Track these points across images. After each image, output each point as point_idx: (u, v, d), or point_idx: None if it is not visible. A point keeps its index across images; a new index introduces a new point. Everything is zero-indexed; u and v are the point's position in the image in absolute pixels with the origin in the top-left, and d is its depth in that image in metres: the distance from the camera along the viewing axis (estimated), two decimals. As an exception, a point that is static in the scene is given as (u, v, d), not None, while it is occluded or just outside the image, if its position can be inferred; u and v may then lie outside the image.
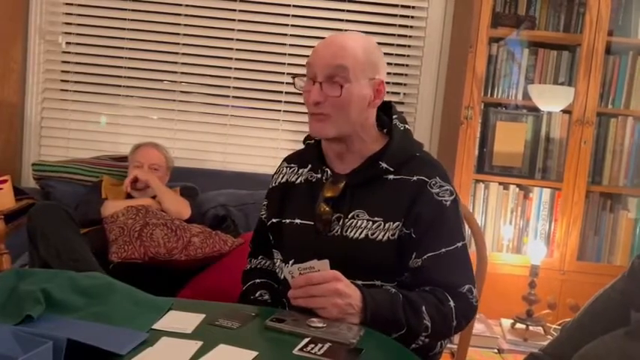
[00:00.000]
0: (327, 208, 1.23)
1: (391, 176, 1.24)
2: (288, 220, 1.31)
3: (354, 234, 1.21)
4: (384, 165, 1.24)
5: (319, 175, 1.30)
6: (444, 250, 1.19)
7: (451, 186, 1.25)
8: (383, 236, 1.20)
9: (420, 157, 1.28)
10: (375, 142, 1.28)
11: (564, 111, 2.53)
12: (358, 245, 1.20)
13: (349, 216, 1.23)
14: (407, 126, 1.31)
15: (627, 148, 2.53)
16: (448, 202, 1.22)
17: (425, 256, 1.19)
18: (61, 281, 1.07)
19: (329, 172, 1.28)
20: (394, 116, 1.30)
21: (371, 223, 1.21)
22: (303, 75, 1.25)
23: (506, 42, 2.58)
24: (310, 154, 1.34)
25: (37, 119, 2.87)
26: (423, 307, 1.12)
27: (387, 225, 1.20)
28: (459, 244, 1.21)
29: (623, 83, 2.53)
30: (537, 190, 2.56)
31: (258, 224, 1.45)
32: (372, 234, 1.21)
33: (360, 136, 1.25)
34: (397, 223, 1.20)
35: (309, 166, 1.33)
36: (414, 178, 1.23)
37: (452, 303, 1.15)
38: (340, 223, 1.23)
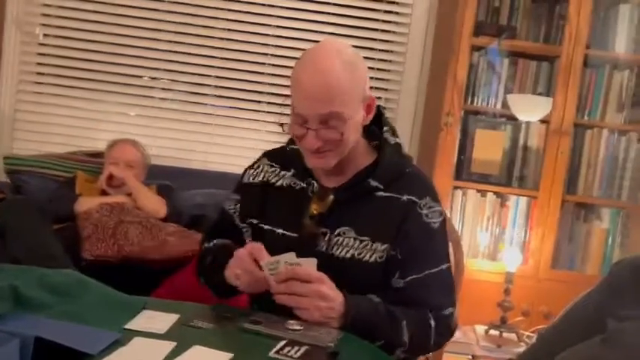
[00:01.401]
0: (313, 225, 1.19)
1: (380, 193, 1.20)
2: (267, 227, 1.26)
3: (341, 252, 1.18)
4: (375, 183, 1.19)
5: (304, 185, 1.24)
6: (427, 272, 1.17)
7: (441, 206, 1.23)
8: (370, 257, 1.18)
9: (410, 173, 1.24)
10: (364, 156, 1.24)
11: (542, 121, 2.57)
12: (344, 265, 1.17)
13: (335, 233, 1.19)
14: (398, 140, 1.26)
15: (602, 160, 2.57)
16: (436, 225, 1.20)
17: (408, 279, 1.17)
18: (30, 278, 1.04)
19: (315, 184, 1.22)
20: (385, 128, 1.25)
21: (358, 242, 1.18)
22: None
23: (487, 51, 2.61)
24: (295, 160, 1.25)
25: (11, 112, 2.79)
26: (404, 323, 1.11)
27: (374, 245, 1.18)
28: (444, 266, 1.20)
29: (599, 96, 2.58)
30: (514, 198, 2.59)
31: (221, 216, 1.35)
32: (359, 254, 1.18)
33: (352, 153, 1.20)
34: (385, 246, 1.18)
35: (293, 171, 1.27)
36: (404, 197, 1.19)
37: (433, 322, 1.15)
38: (326, 238, 1.19)
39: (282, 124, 1.19)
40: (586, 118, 2.60)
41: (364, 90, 1.16)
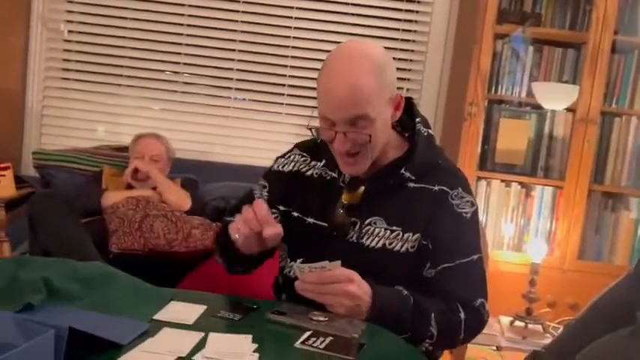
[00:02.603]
0: (344, 215, 1.19)
1: (412, 184, 1.20)
2: (298, 214, 1.26)
3: (371, 242, 1.18)
4: (407, 174, 1.19)
5: (335, 175, 1.24)
6: (458, 261, 1.16)
7: (472, 197, 1.22)
8: (401, 247, 1.17)
9: (442, 165, 1.24)
10: (396, 148, 1.23)
11: (568, 109, 2.52)
12: (375, 254, 1.17)
13: (366, 222, 1.19)
14: (430, 131, 1.25)
15: (630, 149, 2.52)
16: (468, 215, 1.20)
17: (439, 268, 1.16)
18: (61, 269, 1.06)
19: (346, 175, 1.22)
20: (417, 119, 1.23)
21: (389, 232, 1.18)
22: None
23: (511, 39, 2.57)
24: (326, 151, 1.24)
25: (39, 107, 2.85)
26: (432, 315, 1.11)
27: (405, 235, 1.18)
28: (475, 257, 1.19)
29: (628, 83, 2.52)
30: (539, 188, 2.55)
31: (246, 198, 1.30)
32: (390, 243, 1.17)
33: (383, 146, 1.20)
34: (417, 235, 1.17)
35: (324, 161, 1.27)
36: (436, 187, 1.19)
37: (463, 315, 1.14)
38: (356, 228, 1.19)
39: (310, 129, 1.19)
40: (614, 105, 2.54)
41: (392, 90, 1.15)
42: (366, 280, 1.09)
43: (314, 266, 1.06)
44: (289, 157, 1.33)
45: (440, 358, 1.31)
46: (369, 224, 1.19)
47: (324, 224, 1.21)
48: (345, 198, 1.20)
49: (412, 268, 1.18)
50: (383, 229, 1.18)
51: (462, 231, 1.18)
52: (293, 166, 1.31)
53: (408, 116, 1.25)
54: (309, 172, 1.28)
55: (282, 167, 1.32)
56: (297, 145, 1.35)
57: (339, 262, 1.06)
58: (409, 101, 1.25)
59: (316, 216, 1.23)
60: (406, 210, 1.18)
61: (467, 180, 1.25)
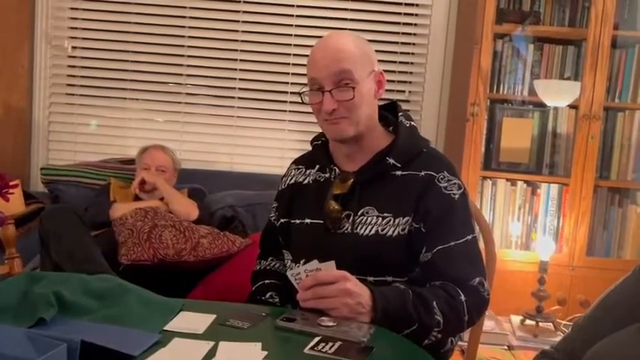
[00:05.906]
0: (336, 206, 1.24)
1: (399, 172, 1.25)
2: (297, 221, 1.33)
3: (365, 231, 1.22)
4: (392, 161, 1.25)
5: (327, 175, 1.31)
6: (453, 243, 1.19)
7: (459, 180, 1.26)
8: (393, 232, 1.21)
9: (427, 152, 1.29)
10: (382, 139, 1.30)
11: (571, 106, 2.52)
12: (369, 241, 1.21)
13: (359, 213, 1.23)
14: (413, 123, 1.32)
15: (635, 142, 2.51)
16: (456, 196, 1.23)
17: (434, 250, 1.19)
18: (72, 284, 1.08)
19: (337, 170, 1.29)
20: (400, 114, 1.32)
21: (381, 219, 1.22)
22: (305, 84, 1.26)
23: (511, 38, 2.57)
24: (318, 154, 1.35)
25: (45, 123, 2.88)
26: (434, 303, 1.12)
27: (396, 220, 1.21)
28: (469, 237, 1.21)
29: (630, 77, 2.52)
30: (545, 185, 2.55)
31: (267, 226, 1.46)
32: (382, 230, 1.21)
33: (369, 133, 1.27)
34: (407, 218, 1.21)
35: (317, 166, 1.35)
36: (422, 173, 1.24)
37: (463, 297, 1.15)
38: (350, 220, 1.24)
39: (300, 93, 1.27)
40: (617, 100, 2.54)
41: (372, 64, 1.26)
42: (364, 283, 1.11)
43: (308, 269, 1.08)
44: (288, 173, 1.43)
45: (451, 357, 1.32)
46: (362, 214, 1.23)
47: (321, 221, 1.27)
48: (335, 189, 1.26)
49: (405, 251, 1.21)
50: (375, 217, 1.22)
51: (453, 212, 1.21)
52: (291, 179, 1.40)
53: (393, 115, 1.34)
54: (305, 181, 1.37)
55: (285, 185, 1.41)
56: (294, 161, 1.45)
57: (332, 263, 1.09)
58: (394, 103, 1.37)
59: (313, 215, 1.29)
60: (396, 197, 1.23)
61: (453, 166, 1.29)
